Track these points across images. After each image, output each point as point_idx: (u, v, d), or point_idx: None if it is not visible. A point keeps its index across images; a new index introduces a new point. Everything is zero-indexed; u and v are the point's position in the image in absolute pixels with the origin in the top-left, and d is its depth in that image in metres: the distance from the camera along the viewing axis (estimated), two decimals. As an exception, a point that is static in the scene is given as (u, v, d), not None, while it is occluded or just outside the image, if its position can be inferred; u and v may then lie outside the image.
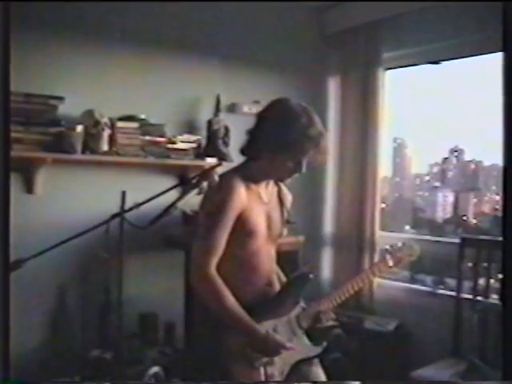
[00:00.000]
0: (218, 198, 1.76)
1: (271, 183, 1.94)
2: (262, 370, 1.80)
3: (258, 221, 1.84)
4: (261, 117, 1.88)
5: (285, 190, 2.02)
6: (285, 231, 2.03)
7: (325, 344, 1.94)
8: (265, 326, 1.81)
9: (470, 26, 3.00)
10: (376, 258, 3.41)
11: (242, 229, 1.80)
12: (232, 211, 1.75)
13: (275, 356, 1.80)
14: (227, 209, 1.74)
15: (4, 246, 1.54)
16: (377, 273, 2.06)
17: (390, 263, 2.06)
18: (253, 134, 1.87)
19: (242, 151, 1.90)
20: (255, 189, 1.86)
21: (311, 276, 1.97)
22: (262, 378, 1.79)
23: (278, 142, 1.77)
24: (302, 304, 1.94)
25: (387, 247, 2.11)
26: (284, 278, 2.08)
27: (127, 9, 2.94)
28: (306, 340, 1.92)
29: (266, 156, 1.82)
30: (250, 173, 1.85)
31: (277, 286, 1.97)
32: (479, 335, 2.78)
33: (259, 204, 1.86)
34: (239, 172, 1.84)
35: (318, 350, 1.94)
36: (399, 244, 2.11)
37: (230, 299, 1.75)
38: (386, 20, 3.33)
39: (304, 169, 1.83)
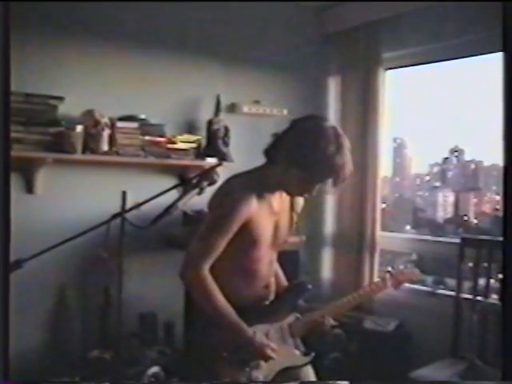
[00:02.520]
0: (226, 203, 1.74)
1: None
2: (247, 371, 1.80)
3: (264, 231, 1.82)
4: (293, 125, 1.81)
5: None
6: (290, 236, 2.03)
7: (313, 354, 1.95)
8: (258, 329, 1.82)
9: (470, 25, 3.01)
10: (377, 258, 3.42)
11: (247, 237, 1.78)
12: (237, 220, 1.73)
13: (261, 358, 1.80)
14: (233, 217, 1.72)
15: (4, 246, 1.54)
16: (376, 291, 2.08)
17: (389, 285, 2.08)
18: (280, 138, 1.81)
19: (266, 152, 1.84)
20: (267, 197, 1.82)
21: (309, 287, 1.98)
22: (247, 379, 1.80)
23: (298, 158, 1.72)
24: (297, 314, 1.94)
25: (389, 269, 2.14)
26: (284, 281, 2.07)
27: (127, 9, 2.94)
28: (295, 349, 1.92)
29: (282, 164, 1.76)
30: (265, 179, 1.81)
31: (274, 289, 1.97)
32: (479, 335, 2.78)
33: (268, 214, 1.83)
34: (255, 177, 1.81)
35: (306, 359, 1.94)
36: (401, 267, 2.17)
37: (219, 299, 1.75)
38: (386, 20, 3.33)
39: (314, 193, 1.80)
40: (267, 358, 1.80)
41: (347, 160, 1.74)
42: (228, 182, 1.83)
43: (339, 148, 1.73)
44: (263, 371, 1.83)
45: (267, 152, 1.84)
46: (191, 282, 1.77)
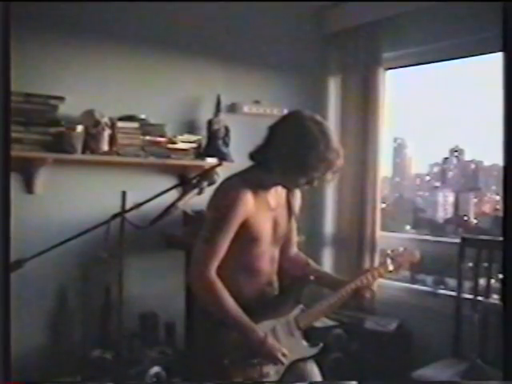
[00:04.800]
0: (223, 203, 1.75)
1: (280, 186, 1.91)
2: (258, 368, 1.81)
3: (264, 227, 1.84)
4: (274, 131, 1.83)
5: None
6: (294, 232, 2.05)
7: (321, 345, 1.95)
8: (264, 326, 1.82)
9: (470, 26, 3.01)
10: (376, 258, 3.41)
11: (247, 235, 1.80)
12: (236, 219, 1.75)
13: (270, 360, 1.80)
14: (232, 216, 1.74)
15: (4, 246, 1.54)
16: (376, 276, 2.05)
17: (391, 268, 2.07)
18: (264, 147, 1.83)
19: (252, 157, 1.87)
20: (263, 195, 1.84)
21: (312, 278, 1.99)
22: (258, 376, 1.80)
23: (291, 163, 1.75)
24: (302, 306, 1.94)
25: (388, 252, 2.11)
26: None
27: (127, 9, 2.93)
28: (303, 341, 1.92)
29: (276, 170, 1.79)
30: (258, 179, 1.83)
31: (276, 286, 1.98)
32: (479, 335, 2.77)
33: (266, 210, 1.85)
34: (247, 177, 1.82)
35: (314, 350, 1.94)
36: (400, 249, 2.12)
37: (230, 302, 1.75)
38: (386, 20, 3.33)
39: (316, 184, 1.83)
40: (278, 362, 1.80)
41: (338, 150, 1.78)
42: (223, 183, 1.84)
43: (327, 141, 1.75)
44: (273, 366, 1.83)
45: (254, 157, 1.86)
46: (200, 286, 1.78)
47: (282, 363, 1.81)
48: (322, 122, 1.79)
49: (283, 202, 1.95)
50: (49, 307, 2.81)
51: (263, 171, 1.83)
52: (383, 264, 2.08)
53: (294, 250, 2.12)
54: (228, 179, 1.84)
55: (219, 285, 1.75)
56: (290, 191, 1.96)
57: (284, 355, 1.80)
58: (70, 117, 2.75)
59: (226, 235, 1.75)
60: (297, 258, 2.12)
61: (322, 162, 1.75)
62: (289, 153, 1.75)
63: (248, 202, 1.77)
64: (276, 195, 1.90)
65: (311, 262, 2.15)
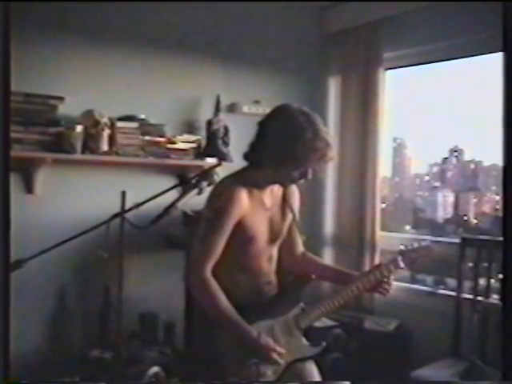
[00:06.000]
0: (218, 204, 1.77)
1: (277, 186, 1.92)
2: (254, 368, 1.80)
3: (259, 227, 1.85)
4: (263, 126, 1.84)
5: (291, 188, 1.98)
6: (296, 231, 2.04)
7: (324, 344, 1.93)
8: (260, 326, 1.82)
9: (470, 26, 3.01)
10: (376, 259, 3.41)
11: (242, 235, 1.81)
12: (231, 218, 1.76)
13: (266, 359, 1.79)
14: (226, 216, 1.75)
15: (4, 246, 1.54)
16: (385, 273, 1.95)
17: (401, 265, 1.97)
18: (255, 144, 1.85)
19: (246, 157, 1.88)
20: (258, 195, 1.85)
21: (313, 277, 1.98)
22: (255, 375, 1.79)
23: (282, 156, 1.75)
24: (302, 304, 1.93)
25: (401, 247, 2.01)
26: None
27: (127, 9, 2.94)
28: (303, 340, 1.91)
29: (269, 166, 1.80)
30: (253, 179, 1.84)
31: (275, 284, 1.97)
32: (479, 335, 2.78)
33: (261, 210, 1.86)
34: (242, 177, 1.83)
35: (315, 350, 1.92)
36: (415, 245, 2.02)
37: (223, 301, 1.76)
38: (386, 20, 3.33)
39: (310, 176, 1.81)
40: (273, 362, 1.79)
41: (327, 139, 1.76)
42: (218, 183, 1.86)
43: (315, 130, 1.74)
44: (271, 366, 1.81)
45: (248, 157, 1.87)
46: (195, 285, 1.79)
47: (277, 363, 1.80)
48: (309, 112, 1.79)
49: (280, 202, 1.95)
50: (48, 307, 2.81)
51: (257, 170, 1.84)
52: (393, 261, 1.97)
53: (300, 249, 2.10)
54: (223, 180, 1.86)
55: (213, 284, 1.76)
56: (286, 188, 1.95)
57: (280, 355, 1.79)
58: (69, 117, 2.75)
59: (220, 235, 1.76)
60: (303, 258, 2.10)
61: (312, 152, 1.74)
62: (278, 145, 1.76)
63: (242, 201, 1.78)
64: (272, 195, 1.90)
65: (319, 259, 2.13)
